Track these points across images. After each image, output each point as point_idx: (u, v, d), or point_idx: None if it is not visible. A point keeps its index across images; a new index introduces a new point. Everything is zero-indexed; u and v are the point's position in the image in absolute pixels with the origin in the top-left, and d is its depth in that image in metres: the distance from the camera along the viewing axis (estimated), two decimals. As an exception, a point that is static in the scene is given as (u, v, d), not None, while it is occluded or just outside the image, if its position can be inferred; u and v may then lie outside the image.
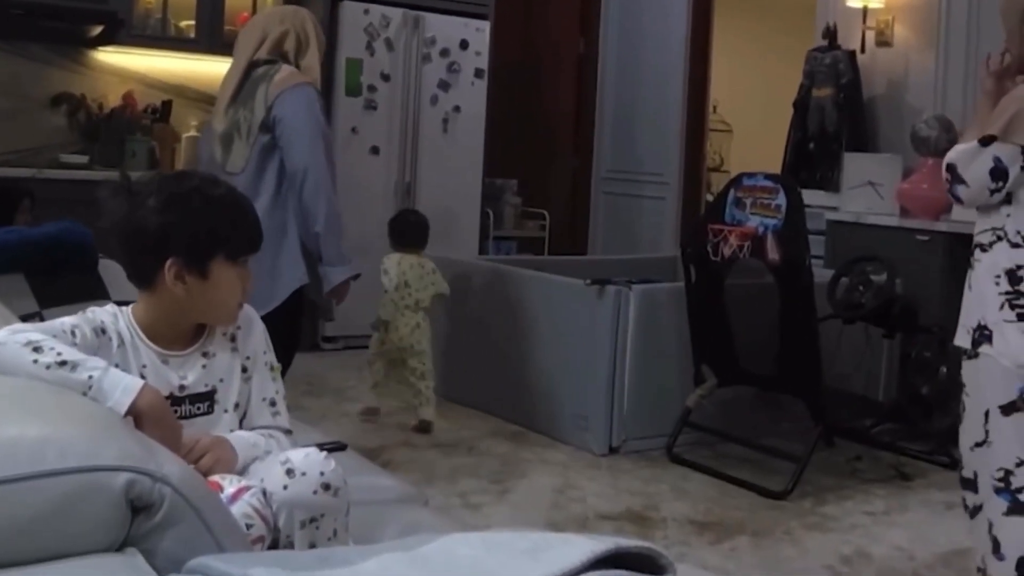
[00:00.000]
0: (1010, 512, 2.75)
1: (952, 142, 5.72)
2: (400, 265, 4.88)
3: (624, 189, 7.74)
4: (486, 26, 6.82)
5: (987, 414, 2.79)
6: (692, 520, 3.88)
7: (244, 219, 2.05)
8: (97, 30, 6.13)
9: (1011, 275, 2.76)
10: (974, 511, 2.87)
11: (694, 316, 4.60)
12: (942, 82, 6.05)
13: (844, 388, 4.78)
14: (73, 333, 1.91)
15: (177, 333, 2.03)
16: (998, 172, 2.74)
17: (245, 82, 3.77)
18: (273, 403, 2.13)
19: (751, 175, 4.39)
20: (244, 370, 2.09)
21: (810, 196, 6.21)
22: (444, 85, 6.70)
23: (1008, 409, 2.74)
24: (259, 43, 3.79)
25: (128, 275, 2.08)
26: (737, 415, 4.79)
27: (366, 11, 6.43)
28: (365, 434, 4.72)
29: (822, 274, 5.13)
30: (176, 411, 1.98)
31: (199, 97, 6.63)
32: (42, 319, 3.33)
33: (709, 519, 3.90)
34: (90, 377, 1.81)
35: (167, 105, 6.39)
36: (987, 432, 2.79)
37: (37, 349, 1.81)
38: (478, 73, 6.80)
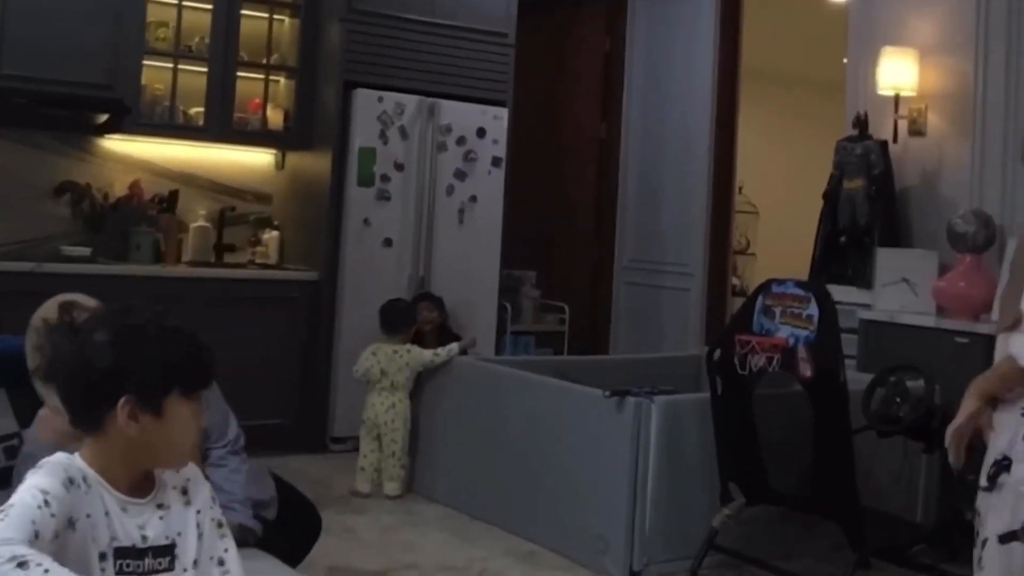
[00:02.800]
0: None
1: (990, 238, 5.53)
2: (375, 356, 5.29)
3: (647, 279, 7.48)
4: (504, 113, 6.62)
5: (984, 542, 2.70)
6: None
7: (199, 352, 1.94)
8: (103, 118, 5.95)
9: None
10: None
11: (720, 430, 4.31)
12: (979, 174, 5.78)
13: (880, 507, 4.46)
14: (47, 503, 1.74)
15: (132, 479, 1.92)
16: None
17: None
18: (222, 562, 2.01)
19: (780, 282, 4.13)
20: (198, 525, 1.98)
21: (842, 292, 5.94)
22: (460, 174, 6.48)
23: (1007, 538, 2.64)
24: None
25: (72, 420, 1.94)
26: (767, 535, 4.48)
27: (380, 98, 6.24)
28: (366, 553, 4.42)
29: (855, 377, 4.84)
30: (138, 566, 1.87)
31: (208, 186, 6.45)
32: (20, 441, 3.09)
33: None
34: None
35: (174, 195, 6.19)
36: (980, 559, 2.71)
37: (22, 565, 1.63)
38: (495, 161, 6.58)
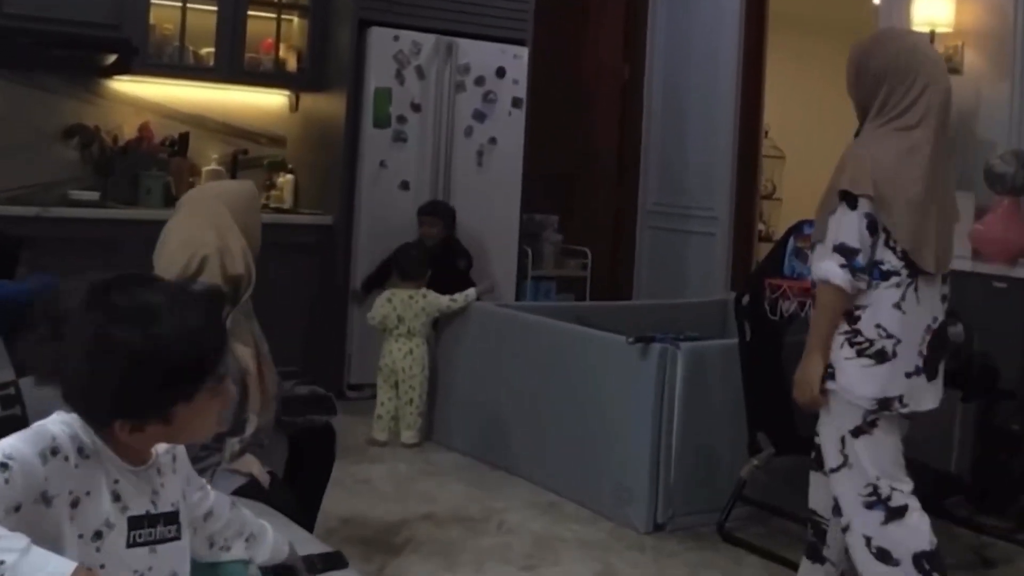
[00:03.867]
0: (887, 521, 3.05)
1: (1033, 177, 5.31)
2: (390, 303, 5.15)
3: (671, 224, 7.28)
4: (524, 52, 6.40)
5: (843, 440, 3.08)
6: (748, 621, 3.42)
7: (222, 332, 1.76)
8: (111, 59, 5.77)
9: (849, 315, 3.01)
10: (844, 529, 3.13)
11: (748, 377, 4.14)
12: (1018, 113, 5.54)
13: (914, 456, 4.28)
14: (4, 466, 1.53)
15: (144, 452, 1.78)
16: (872, 225, 2.96)
17: None
18: (233, 504, 2.03)
19: (812, 223, 3.92)
20: (184, 494, 1.88)
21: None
22: (479, 115, 6.28)
23: (857, 432, 3.05)
24: None
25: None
26: (796, 486, 4.31)
27: (396, 37, 6.04)
28: (385, 505, 4.29)
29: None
30: (150, 533, 1.74)
31: (220, 128, 6.28)
32: (17, 389, 2.95)
33: (767, 619, 3.44)
34: (2, 563, 1.46)
35: (184, 137, 6.03)
36: (845, 456, 3.08)
37: None
38: (515, 103, 6.38)
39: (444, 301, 5.14)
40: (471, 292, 5.18)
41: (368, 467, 4.79)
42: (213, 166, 6.15)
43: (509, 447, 4.82)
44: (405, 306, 5.14)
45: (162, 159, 5.94)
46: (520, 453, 4.76)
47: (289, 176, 6.32)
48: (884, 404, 3.01)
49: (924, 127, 3.00)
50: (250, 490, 2.94)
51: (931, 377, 3.09)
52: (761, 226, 8.20)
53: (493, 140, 6.32)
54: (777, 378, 4.06)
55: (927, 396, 3.10)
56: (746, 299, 4.08)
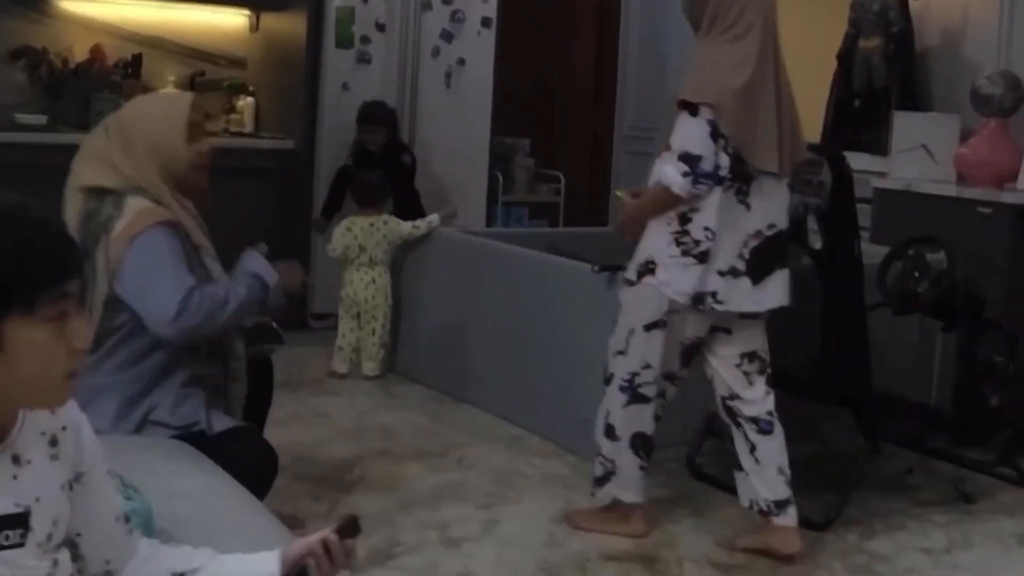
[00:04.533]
0: (628, 404, 3.34)
1: (1019, 100, 5.11)
2: (350, 232, 4.95)
3: (650, 148, 7.05)
4: (494, -32, 6.14)
5: (631, 331, 3.30)
6: (715, 562, 3.26)
7: (36, 249, 1.37)
8: (60, -25, 5.50)
9: (682, 217, 3.15)
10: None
11: (721, 307, 3.96)
12: (1007, 33, 5.32)
13: (893, 389, 4.12)
14: None
15: None
16: (716, 132, 3.09)
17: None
18: (127, 519, 1.60)
19: (789, 144, 3.72)
20: (70, 487, 1.49)
21: (855, 160, 5.51)
22: (447, 35, 6.02)
23: (650, 327, 3.25)
24: None
25: None
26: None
27: (359, -48, 5.76)
28: (341, 441, 4.12)
29: (869, 251, 4.47)
30: None
31: (177, 50, 6.01)
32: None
33: (735, 560, 3.29)
34: None
35: (138, 58, 5.76)
36: (628, 344, 3.31)
37: None
38: (485, 22, 6.11)
39: (406, 228, 4.94)
40: (434, 218, 4.98)
41: (327, 400, 4.61)
42: (170, 89, 5.89)
43: (473, 379, 4.65)
44: (366, 235, 4.94)
45: (115, 82, 5.68)
46: (485, 385, 4.59)
47: (249, 99, 6.06)
48: (698, 299, 3.18)
49: (752, 36, 3.17)
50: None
51: (756, 281, 3.20)
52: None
53: (461, 61, 6.07)
54: (750, 308, 3.88)
55: (748, 299, 3.22)
56: (718, 225, 3.87)
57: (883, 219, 5.28)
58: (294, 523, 3.29)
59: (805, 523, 3.53)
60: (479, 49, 6.11)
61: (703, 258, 3.15)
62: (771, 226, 3.23)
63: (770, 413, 3.36)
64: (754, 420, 3.36)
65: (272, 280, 2.86)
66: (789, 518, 3.29)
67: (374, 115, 5.56)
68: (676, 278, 3.17)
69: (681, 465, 3.96)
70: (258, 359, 3.16)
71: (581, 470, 3.90)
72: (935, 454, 4.19)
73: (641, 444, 3.37)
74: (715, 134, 3.09)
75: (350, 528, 1.64)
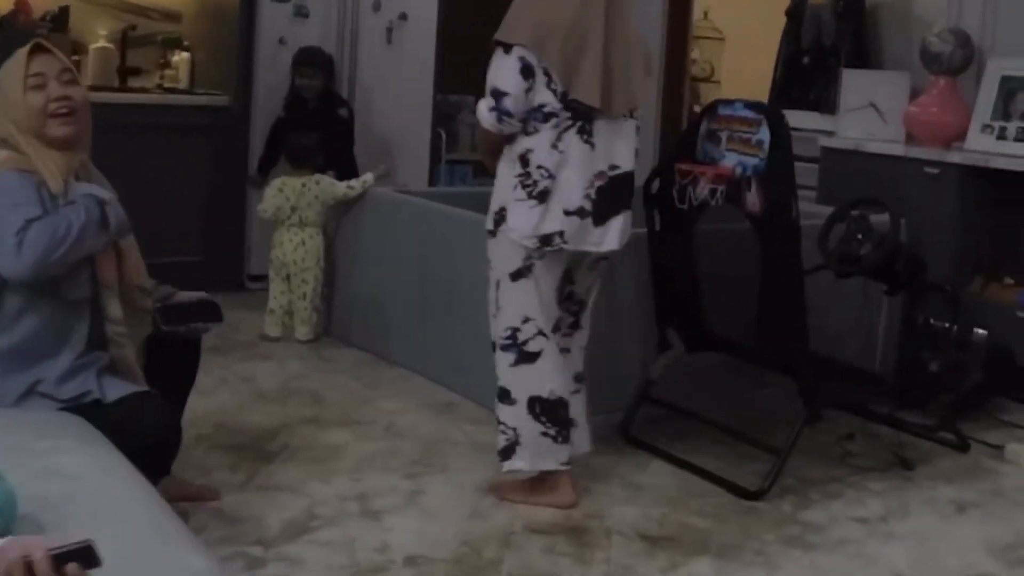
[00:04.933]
0: (516, 363, 3.23)
1: (969, 59, 5.01)
2: (282, 192, 4.79)
3: (598, 106, 6.90)
4: (438, -85, 5.95)
5: (498, 284, 3.24)
6: (644, 534, 3.15)
7: None
8: (-19, -79, 5.26)
9: (522, 159, 3.14)
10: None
11: (657, 270, 3.84)
12: (958, -12, 5.22)
13: (835, 354, 4.03)
14: None
15: None
16: (527, 70, 3.09)
17: None
18: None
19: (728, 103, 3.60)
20: None
21: (802, 118, 5.49)
22: (388, -12, 5.85)
23: (516, 276, 3.20)
24: None
25: None
26: (710, 386, 4.06)
27: (295, -102, 5.56)
28: (266, 407, 3.98)
29: (814, 211, 4.38)
30: None
31: (108, 2, 5.79)
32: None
33: (664, 532, 3.18)
34: None
35: (64, 11, 5.54)
36: (498, 299, 3.25)
37: None
38: (428, -26, 5.94)
39: (340, 188, 4.78)
40: (368, 177, 4.82)
41: (256, 365, 4.47)
42: (101, 43, 5.68)
43: (408, 344, 4.52)
44: (298, 195, 4.78)
45: (40, 35, 5.46)
46: (419, 350, 4.46)
47: (185, 54, 5.86)
48: (545, 240, 3.14)
49: None
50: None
51: (599, 222, 3.19)
52: (697, 109, 7.88)
53: (404, 16, 5.89)
54: (688, 270, 3.78)
55: (592, 238, 3.20)
56: (655, 185, 3.75)
57: (830, 179, 5.20)
58: (207, 494, 3.18)
59: (738, 490, 3.45)
60: (422, 3, 5.94)
61: (543, 197, 3.13)
62: (614, 167, 3.22)
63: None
64: None
65: (106, 195, 2.72)
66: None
67: (310, 59, 5.38)
68: (522, 222, 3.14)
69: (615, 432, 3.85)
70: (188, 338, 3.02)
71: (513, 438, 3.79)
72: (877, 419, 4.10)
73: (541, 408, 3.23)
74: (527, 71, 3.09)
75: (83, 555, 1.37)
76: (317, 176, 4.80)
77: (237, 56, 5.60)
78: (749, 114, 3.48)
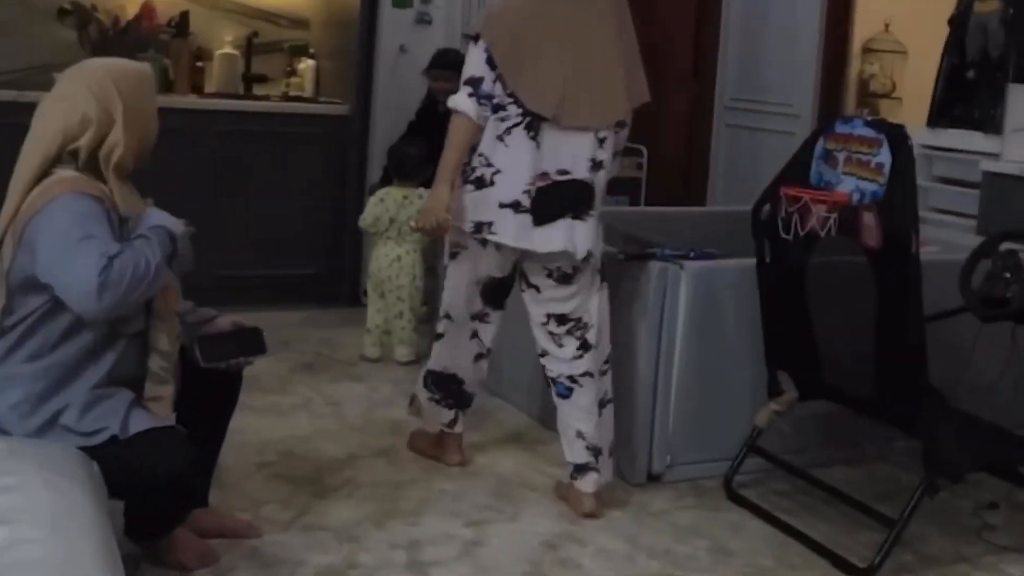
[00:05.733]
0: (435, 338, 3.51)
1: None
2: (383, 203, 4.64)
3: (750, 121, 6.48)
4: (574, -77, 5.63)
5: (445, 266, 3.45)
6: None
7: None
8: (110, -72, 5.22)
9: (471, 149, 3.23)
10: None
11: (768, 306, 3.44)
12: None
13: (978, 410, 3.53)
14: None
15: None
16: (490, 60, 3.17)
17: None
18: None
19: (847, 120, 3.18)
20: None
21: (964, 139, 5.00)
22: (518, -6, 5.56)
23: (451, 256, 3.39)
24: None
25: None
26: (826, 436, 3.64)
27: (425, -97, 5.35)
28: (341, 435, 3.74)
29: (970, 244, 3.86)
30: None
31: (235, 8, 5.70)
32: None
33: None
34: None
35: (185, 16, 5.46)
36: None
37: None
38: (561, -20, 5.63)
39: None
40: None
41: (345, 387, 4.24)
42: (227, 50, 5.59)
43: (507, 375, 4.21)
44: (399, 207, 4.57)
45: (163, 41, 5.41)
46: (519, 383, 4.15)
47: (310, 62, 5.72)
48: (478, 228, 3.19)
49: None
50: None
51: (540, 222, 3.15)
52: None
53: (532, 23, 5.61)
54: (799, 308, 3.36)
55: (534, 238, 3.17)
56: (765, 211, 3.35)
57: (992, 207, 4.69)
58: (246, 531, 2.95)
59: (844, 565, 3.02)
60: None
61: (479, 184, 3.18)
62: (562, 172, 3.18)
63: (571, 378, 3.28)
64: (554, 381, 3.32)
65: (178, 228, 2.50)
66: (587, 483, 3.27)
67: (447, 59, 5.07)
68: (461, 207, 3.20)
69: (717, 483, 3.48)
70: (231, 371, 2.79)
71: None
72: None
73: (432, 380, 3.50)
74: (491, 62, 3.17)
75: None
76: (421, 190, 4.55)
77: (357, 64, 5.42)
78: (869, 132, 3.05)
